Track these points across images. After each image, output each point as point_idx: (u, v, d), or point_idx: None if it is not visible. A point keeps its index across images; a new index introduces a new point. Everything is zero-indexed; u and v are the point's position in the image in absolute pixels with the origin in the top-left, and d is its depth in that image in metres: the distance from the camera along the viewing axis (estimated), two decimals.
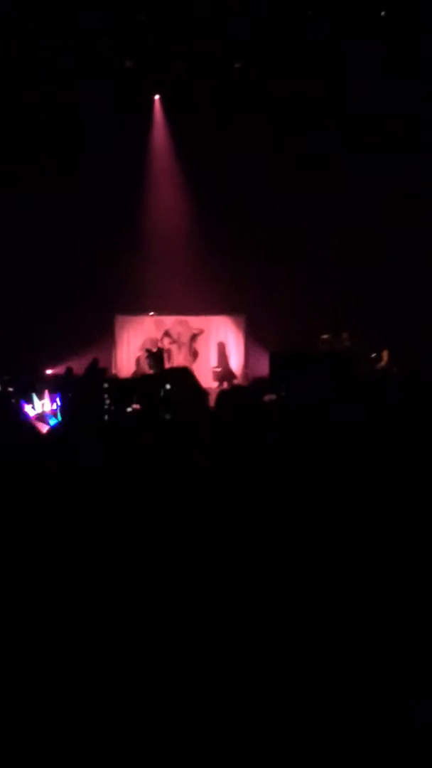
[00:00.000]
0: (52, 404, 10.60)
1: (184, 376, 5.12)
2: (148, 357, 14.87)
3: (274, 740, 2.06)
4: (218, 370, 16.87)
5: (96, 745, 2.05)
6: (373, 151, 14.46)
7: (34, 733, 2.07)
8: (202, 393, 4.53)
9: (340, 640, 2.38)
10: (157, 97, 16.24)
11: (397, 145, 14.10)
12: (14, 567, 2.64)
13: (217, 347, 17.07)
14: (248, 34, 13.16)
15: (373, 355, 14.42)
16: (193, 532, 2.83)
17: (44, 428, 8.85)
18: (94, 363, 6.00)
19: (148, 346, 16.45)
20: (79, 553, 2.72)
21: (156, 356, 14.38)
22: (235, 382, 16.42)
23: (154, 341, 16.85)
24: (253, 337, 16.76)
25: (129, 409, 6.89)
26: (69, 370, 11.87)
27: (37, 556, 2.72)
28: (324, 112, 14.74)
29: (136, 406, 7.00)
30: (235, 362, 17.20)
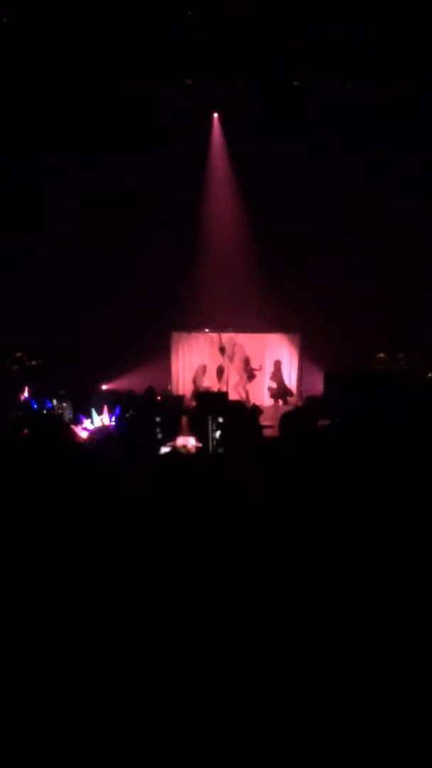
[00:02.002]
0: (110, 419, 10.68)
1: (238, 410, 5.09)
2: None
3: (274, 742, 2.04)
4: (274, 387, 16.81)
5: (94, 745, 2.04)
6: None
7: (34, 733, 2.07)
8: (257, 428, 4.47)
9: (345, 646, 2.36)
10: (215, 114, 16.29)
11: None
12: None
13: (273, 365, 17.00)
14: (306, 51, 13.14)
15: (430, 374, 14.24)
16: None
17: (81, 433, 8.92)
18: (150, 392, 6.05)
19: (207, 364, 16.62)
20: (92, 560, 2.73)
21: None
22: (291, 399, 16.36)
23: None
24: (308, 355, 16.67)
25: (179, 443, 6.86)
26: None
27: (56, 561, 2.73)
28: (381, 129, 14.63)
29: (186, 440, 6.97)
30: (291, 380, 17.13)
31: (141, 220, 15.15)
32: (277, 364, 16.99)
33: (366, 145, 14.70)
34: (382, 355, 14.79)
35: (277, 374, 17.00)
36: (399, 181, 14.73)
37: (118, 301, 15.53)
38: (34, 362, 14.81)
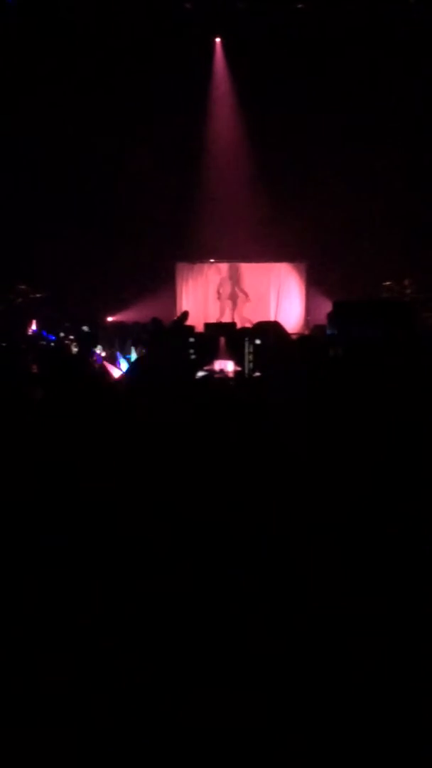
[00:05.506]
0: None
1: (275, 330, 4.94)
2: None
3: (277, 744, 2.03)
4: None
5: (96, 746, 2.03)
6: None
7: (34, 733, 2.06)
8: (294, 348, 4.31)
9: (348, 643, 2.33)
10: (218, 39, 15.92)
11: None
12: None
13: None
14: None
15: None
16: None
17: (114, 371, 8.89)
18: (184, 316, 5.83)
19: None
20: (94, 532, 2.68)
21: None
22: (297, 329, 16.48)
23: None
24: (314, 284, 16.60)
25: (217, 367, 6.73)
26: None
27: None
28: (385, 50, 14.27)
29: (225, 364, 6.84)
30: (297, 310, 17.10)
31: (143, 149, 14.91)
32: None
33: (373, 64, 14.37)
34: (389, 282, 14.68)
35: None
36: (409, 102, 14.47)
37: (121, 232, 15.37)
38: (39, 294, 14.72)
